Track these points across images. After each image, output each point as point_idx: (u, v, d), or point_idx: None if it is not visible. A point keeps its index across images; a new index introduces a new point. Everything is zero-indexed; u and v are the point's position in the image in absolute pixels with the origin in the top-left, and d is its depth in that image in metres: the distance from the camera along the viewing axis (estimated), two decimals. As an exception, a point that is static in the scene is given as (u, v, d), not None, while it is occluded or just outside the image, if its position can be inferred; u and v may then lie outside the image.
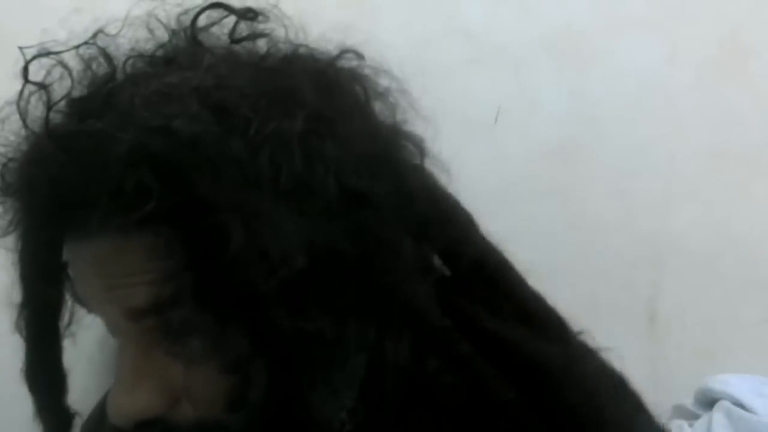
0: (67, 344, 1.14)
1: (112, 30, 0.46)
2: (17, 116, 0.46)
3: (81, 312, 0.55)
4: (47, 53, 0.45)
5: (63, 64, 0.45)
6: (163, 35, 0.46)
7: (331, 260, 0.40)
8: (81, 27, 0.45)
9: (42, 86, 0.44)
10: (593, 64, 1.46)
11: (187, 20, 0.45)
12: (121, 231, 0.39)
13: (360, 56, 0.48)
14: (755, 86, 1.39)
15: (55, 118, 0.42)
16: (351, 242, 0.41)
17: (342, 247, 0.40)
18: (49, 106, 0.43)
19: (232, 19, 0.47)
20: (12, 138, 0.45)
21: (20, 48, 0.44)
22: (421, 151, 0.49)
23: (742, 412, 1.19)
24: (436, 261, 0.47)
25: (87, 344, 1.20)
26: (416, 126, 0.48)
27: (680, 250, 1.42)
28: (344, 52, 0.48)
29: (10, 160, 0.45)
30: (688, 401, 1.31)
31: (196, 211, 0.37)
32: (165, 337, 0.42)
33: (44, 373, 0.55)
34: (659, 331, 1.47)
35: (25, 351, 0.55)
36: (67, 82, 0.45)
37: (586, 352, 0.51)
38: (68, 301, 0.52)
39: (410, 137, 0.49)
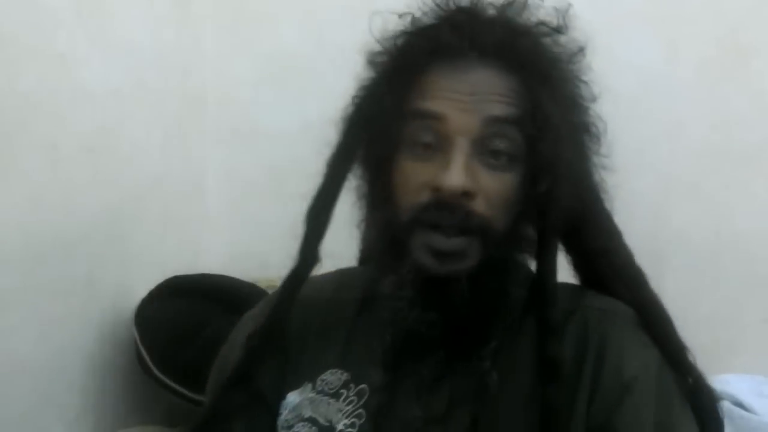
0: (65, 344, 1.15)
1: None
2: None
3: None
4: None
5: None
6: None
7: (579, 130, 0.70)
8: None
9: None
10: (593, 63, 1.46)
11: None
12: (503, 68, 0.66)
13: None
14: (755, 86, 1.39)
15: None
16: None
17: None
18: None
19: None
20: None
21: None
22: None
23: (742, 412, 1.19)
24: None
25: (87, 344, 1.20)
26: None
27: (680, 249, 1.41)
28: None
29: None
30: (689, 401, 1.30)
31: (544, 72, 0.66)
32: (491, 147, 0.65)
33: (322, 210, 0.71)
34: (659, 330, 1.46)
35: (317, 189, 0.71)
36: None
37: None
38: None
39: None
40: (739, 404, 1.20)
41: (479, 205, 0.64)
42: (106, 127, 1.18)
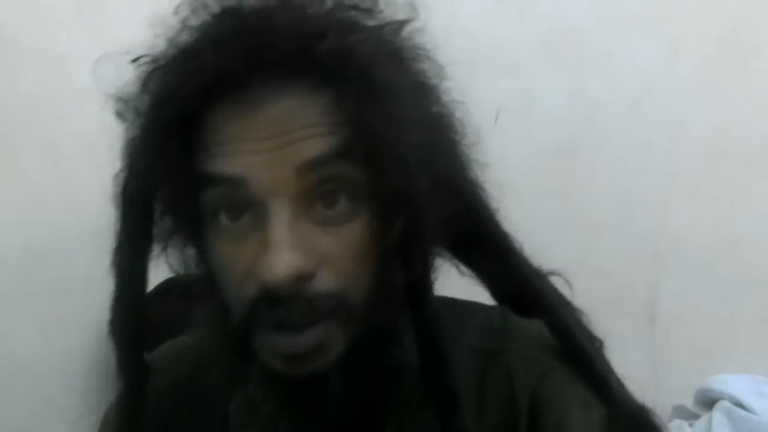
0: (66, 345, 1.15)
1: None
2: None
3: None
4: None
5: None
6: None
7: (431, 133, 0.51)
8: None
9: None
10: (593, 64, 1.46)
11: None
12: (306, 89, 0.47)
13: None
14: (755, 86, 1.39)
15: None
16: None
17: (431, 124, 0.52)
18: None
19: None
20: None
21: None
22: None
23: (742, 412, 1.19)
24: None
25: (88, 345, 1.20)
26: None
27: (680, 250, 1.41)
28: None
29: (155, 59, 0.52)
30: (688, 401, 1.31)
31: (361, 78, 0.47)
32: (320, 196, 0.48)
33: (129, 320, 0.58)
34: (659, 331, 1.47)
35: (114, 296, 0.58)
36: None
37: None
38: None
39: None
40: (739, 404, 1.20)
41: (325, 282, 0.47)
42: (106, 127, 1.18)
